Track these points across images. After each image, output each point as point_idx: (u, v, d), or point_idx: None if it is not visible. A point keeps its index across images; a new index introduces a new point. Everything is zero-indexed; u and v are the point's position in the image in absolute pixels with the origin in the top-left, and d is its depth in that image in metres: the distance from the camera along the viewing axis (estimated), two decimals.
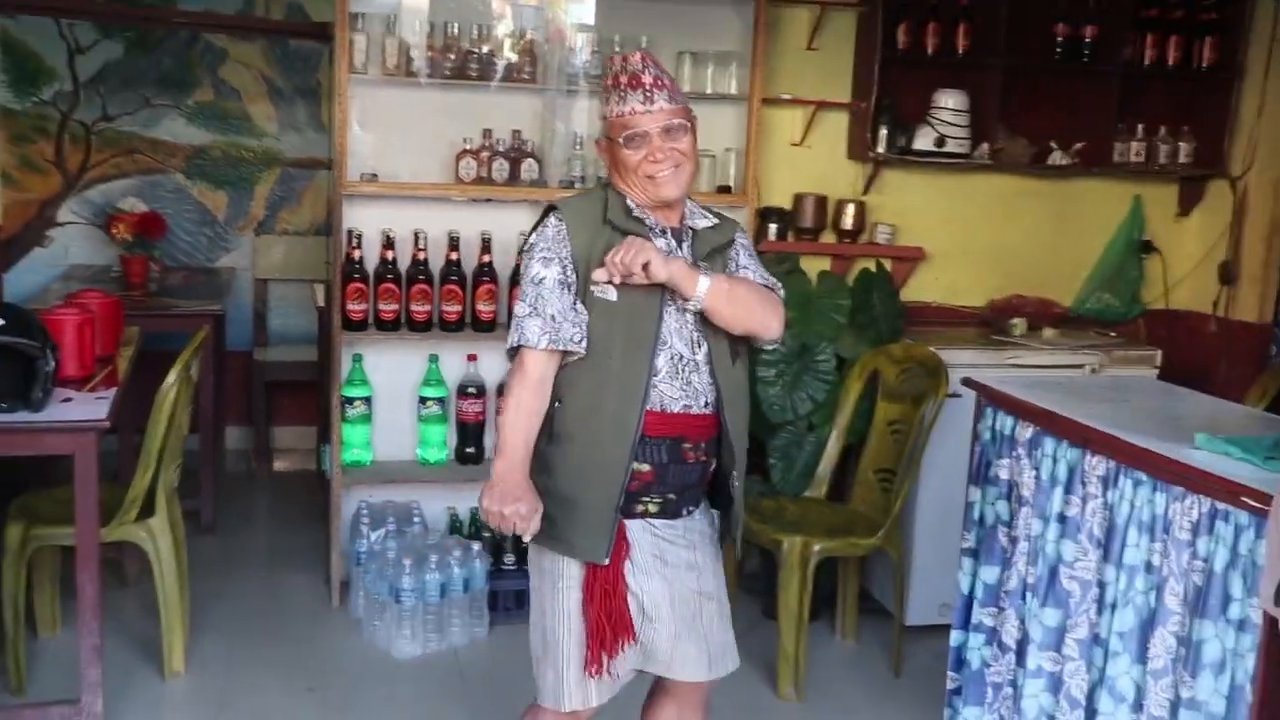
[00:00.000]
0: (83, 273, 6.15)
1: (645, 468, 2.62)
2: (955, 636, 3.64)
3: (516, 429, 2.56)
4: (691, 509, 2.75)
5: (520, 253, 2.81)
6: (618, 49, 4.61)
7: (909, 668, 4.30)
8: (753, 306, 2.67)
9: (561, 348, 2.56)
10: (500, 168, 4.56)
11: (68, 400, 3.50)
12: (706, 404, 2.65)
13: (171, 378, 3.73)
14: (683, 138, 2.62)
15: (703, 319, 2.63)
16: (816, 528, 4.10)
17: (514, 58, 4.61)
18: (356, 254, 4.47)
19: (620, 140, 2.62)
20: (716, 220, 2.77)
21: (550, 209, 2.68)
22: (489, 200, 4.64)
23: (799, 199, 5.04)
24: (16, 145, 6.25)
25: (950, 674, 3.66)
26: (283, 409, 6.58)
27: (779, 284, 2.81)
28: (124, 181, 6.40)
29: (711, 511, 2.85)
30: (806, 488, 4.47)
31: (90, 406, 3.47)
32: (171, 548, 3.93)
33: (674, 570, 2.69)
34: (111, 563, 4.54)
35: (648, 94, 2.59)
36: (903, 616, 4.31)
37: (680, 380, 2.62)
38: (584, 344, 2.57)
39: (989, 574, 3.48)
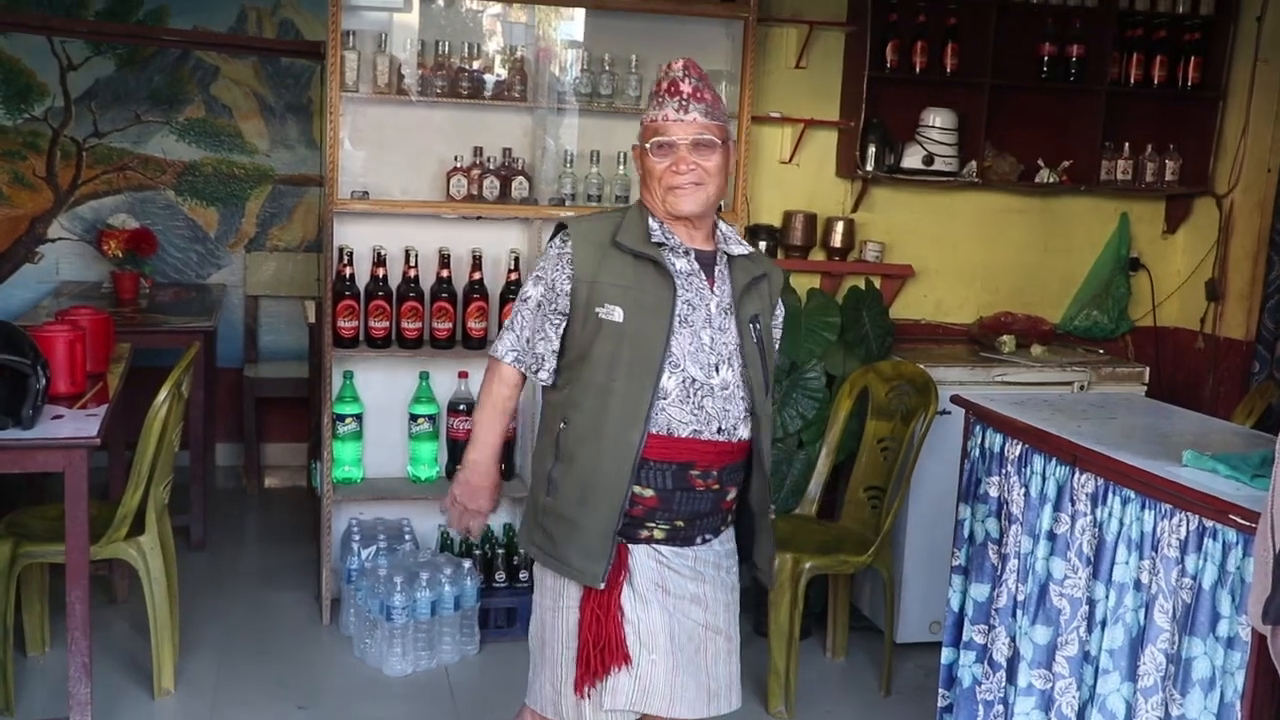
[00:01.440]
0: (73, 289, 6.14)
1: (649, 492, 2.58)
2: (946, 654, 3.65)
3: (491, 427, 2.73)
4: (708, 537, 2.69)
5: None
6: (608, 68, 4.65)
7: (899, 685, 4.31)
8: None
9: (523, 370, 2.67)
10: (491, 185, 4.57)
11: (58, 417, 3.50)
12: (720, 430, 2.59)
13: (162, 395, 3.73)
14: (711, 155, 2.58)
15: (738, 346, 2.62)
16: (807, 545, 4.11)
17: (504, 75, 4.63)
18: (347, 271, 4.48)
19: (649, 146, 2.59)
20: (751, 249, 2.74)
21: (560, 227, 2.68)
22: (480, 218, 4.66)
23: (788, 216, 5.06)
24: (8, 161, 6.25)
25: (941, 691, 3.66)
26: (273, 426, 6.57)
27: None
28: (115, 198, 6.40)
29: (732, 543, 2.78)
30: (796, 505, 4.48)
31: (81, 423, 3.47)
32: (162, 565, 3.92)
33: (676, 601, 2.63)
34: (101, 580, 4.54)
35: (684, 103, 2.56)
36: (893, 634, 4.32)
37: (691, 405, 2.57)
38: (546, 376, 2.64)
39: (979, 591, 3.49)
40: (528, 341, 2.63)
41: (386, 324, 4.51)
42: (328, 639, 4.51)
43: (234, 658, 4.29)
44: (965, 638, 3.53)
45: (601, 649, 2.57)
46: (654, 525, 2.61)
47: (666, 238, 2.61)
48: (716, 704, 2.70)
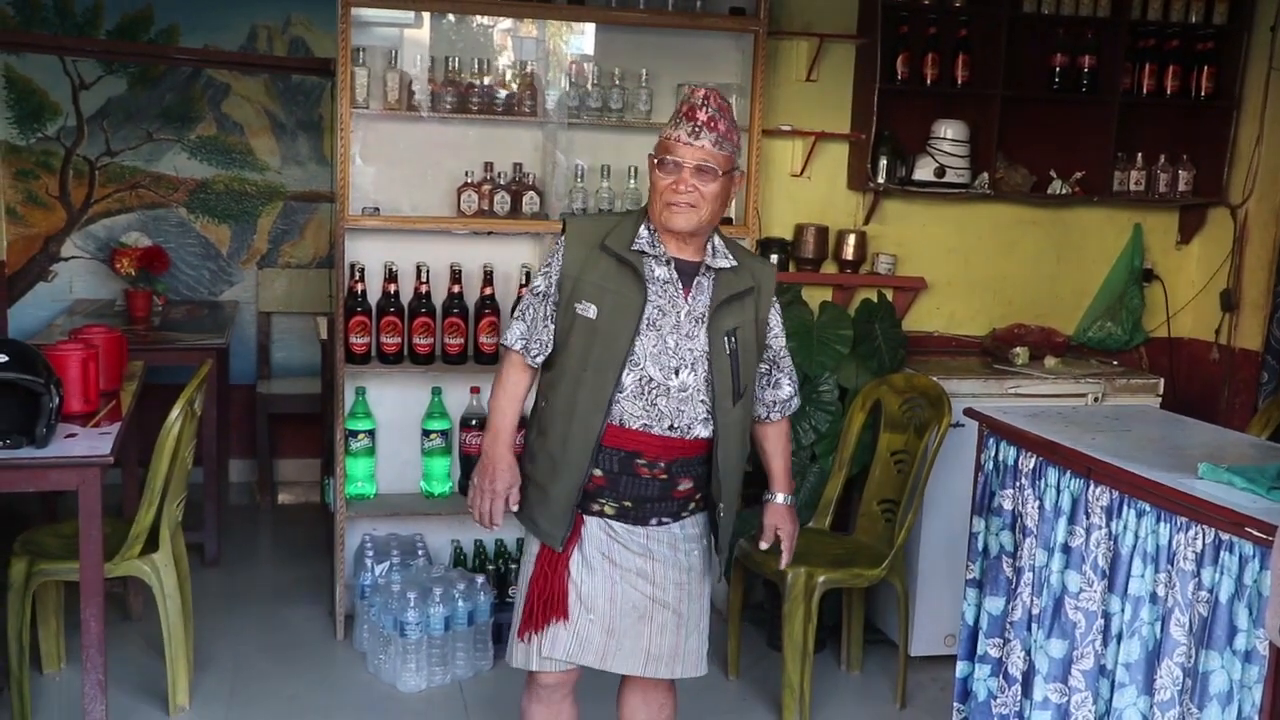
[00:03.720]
0: (86, 307, 6.17)
1: (598, 472, 2.85)
2: (961, 668, 3.63)
3: (504, 412, 2.94)
4: (666, 520, 2.93)
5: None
6: (618, 82, 4.65)
7: (914, 699, 4.29)
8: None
9: (527, 359, 2.90)
10: (502, 200, 4.58)
11: (72, 436, 3.51)
12: (672, 427, 2.82)
13: (175, 412, 3.73)
14: (711, 182, 2.78)
15: (707, 357, 2.82)
16: (820, 559, 4.10)
17: (515, 91, 4.64)
18: (359, 287, 4.48)
19: (657, 160, 2.80)
20: (737, 263, 2.90)
21: (565, 222, 2.95)
22: (490, 233, 4.66)
23: (800, 229, 5.05)
24: (21, 180, 6.29)
25: (956, 705, 3.65)
26: (286, 442, 6.58)
27: (791, 367, 3.12)
28: (127, 216, 6.43)
29: (696, 530, 3.01)
30: (810, 519, 4.46)
31: (94, 442, 3.48)
32: (175, 582, 3.93)
33: (621, 572, 2.89)
34: (115, 597, 4.54)
35: (696, 129, 2.77)
36: (908, 647, 4.30)
37: (644, 401, 2.81)
38: (540, 360, 2.90)
39: (994, 605, 3.48)
40: (532, 326, 2.89)
41: (398, 340, 4.51)
42: (341, 655, 4.50)
43: (248, 674, 4.29)
44: (980, 651, 3.52)
45: (545, 601, 2.87)
46: (604, 501, 2.88)
47: (652, 246, 2.84)
48: (655, 668, 2.96)
